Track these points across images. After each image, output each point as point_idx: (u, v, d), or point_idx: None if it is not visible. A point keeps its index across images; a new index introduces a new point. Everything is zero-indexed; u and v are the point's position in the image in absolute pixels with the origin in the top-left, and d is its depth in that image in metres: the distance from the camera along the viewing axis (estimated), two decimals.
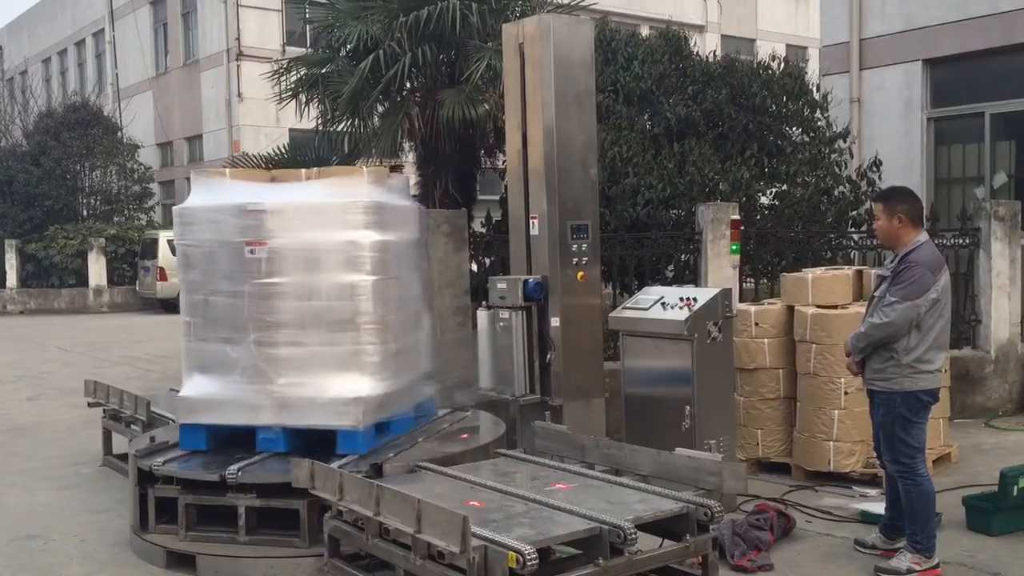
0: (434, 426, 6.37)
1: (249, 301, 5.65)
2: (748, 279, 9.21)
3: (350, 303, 5.57)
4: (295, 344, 5.61)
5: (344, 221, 5.56)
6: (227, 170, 6.56)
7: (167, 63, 30.87)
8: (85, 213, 26.49)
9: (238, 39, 26.67)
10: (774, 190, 10.05)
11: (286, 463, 5.22)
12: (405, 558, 4.08)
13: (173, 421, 6.76)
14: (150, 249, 23.61)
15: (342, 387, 5.54)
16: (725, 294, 6.31)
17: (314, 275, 5.58)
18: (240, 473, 5.28)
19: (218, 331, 5.79)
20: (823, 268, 7.50)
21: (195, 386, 5.85)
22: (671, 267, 9.16)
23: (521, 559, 3.60)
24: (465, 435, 6.07)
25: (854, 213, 10.00)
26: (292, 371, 5.61)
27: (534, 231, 6.33)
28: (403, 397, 5.98)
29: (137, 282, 24.53)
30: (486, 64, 8.58)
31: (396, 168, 6.69)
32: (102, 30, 33.92)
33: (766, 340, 6.95)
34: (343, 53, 9.82)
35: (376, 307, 5.62)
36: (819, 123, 10.27)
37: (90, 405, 8.05)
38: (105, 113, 28.37)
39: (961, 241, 8.77)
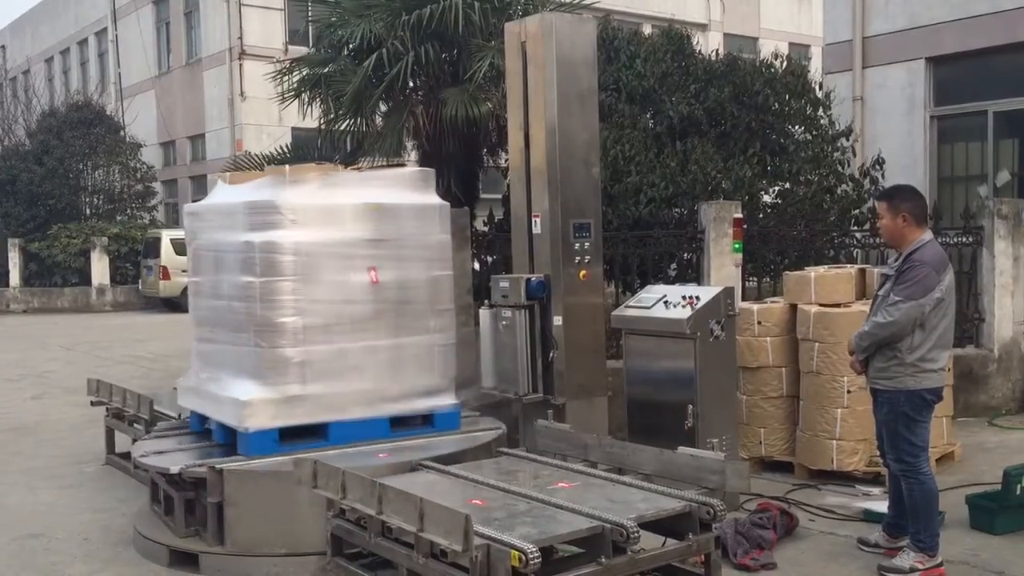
0: (403, 441, 5.76)
1: (191, 298, 6.10)
2: (751, 277, 9.20)
3: (244, 304, 5.54)
4: (210, 341, 5.84)
5: (245, 222, 5.54)
6: (228, 174, 6.67)
7: (169, 62, 30.90)
8: (88, 212, 26.55)
9: (240, 38, 26.70)
10: (777, 188, 10.05)
11: (208, 453, 5.62)
12: (408, 556, 4.08)
13: (175, 419, 6.80)
14: (153, 248, 23.64)
15: (235, 387, 5.56)
16: (728, 292, 6.30)
17: (220, 275, 5.72)
18: (144, 457, 5.72)
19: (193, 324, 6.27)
20: (826, 266, 7.50)
21: (188, 373, 6.31)
22: (674, 265, 9.16)
23: (524, 558, 3.60)
24: (384, 454, 5.49)
25: (857, 211, 9.99)
26: (210, 367, 5.83)
27: (536, 230, 6.32)
28: (340, 404, 5.63)
29: (140, 281, 24.55)
30: (489, 63, 8.57)
31: (397, 166, 6.67)
32: (104, 29, 33.97)
33: (769, 338, 6.94)
34: (346, 52, 9.82)
35: (273, 309, 5.44)
36: (822, 121, 10.26)
37: (93, 404, 8.06)
38: (108, 112, 28.43)
39: (964, 239, 8.76)
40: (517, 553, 3.62)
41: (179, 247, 21.34)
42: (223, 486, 5.19)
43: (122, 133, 27.99)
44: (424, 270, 5.95)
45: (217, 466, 5.25)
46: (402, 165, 6.92)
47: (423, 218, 6.00)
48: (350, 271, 5.65)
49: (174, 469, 5.36)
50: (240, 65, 26.69)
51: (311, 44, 15.70)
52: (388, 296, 5.78)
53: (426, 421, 6.02)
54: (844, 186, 10.10)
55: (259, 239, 5.46)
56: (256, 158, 11.36)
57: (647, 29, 18.05)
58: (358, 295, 5.68)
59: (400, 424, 5.91)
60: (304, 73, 10.12)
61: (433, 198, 6.16)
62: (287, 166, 5.99)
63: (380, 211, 5.79)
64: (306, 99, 10.13)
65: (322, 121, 10.31)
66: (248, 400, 5.44)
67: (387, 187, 5.94)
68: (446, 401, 6.09)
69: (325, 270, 5.57)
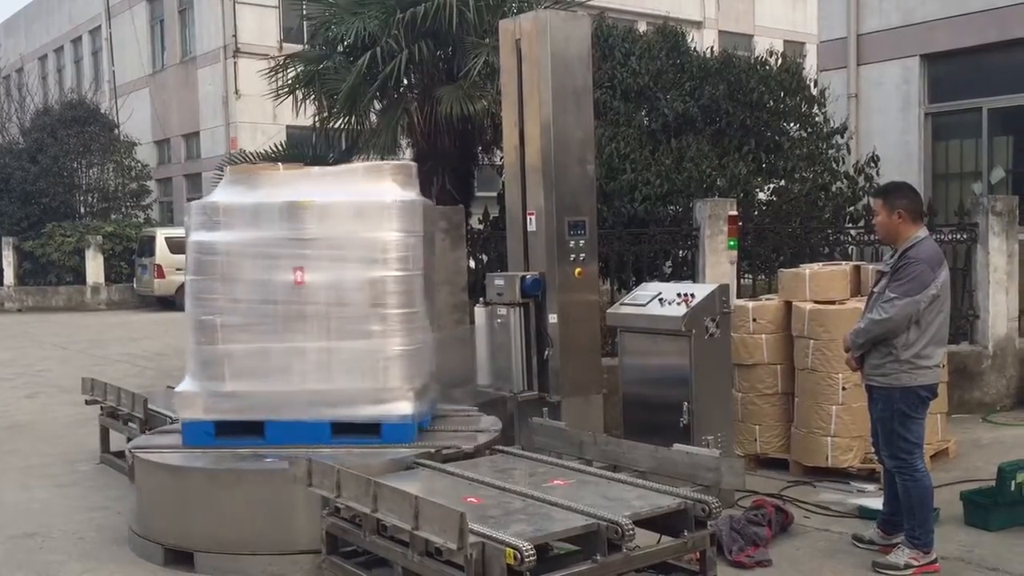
0: (343, 449, 5.43)
1: None
2: (746, 275, 9.21)
3: (186, 301, 5.83)
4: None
5: (192, 222, 5.77)
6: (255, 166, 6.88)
7: (164, 60, 30.82)
8: (82, 210, 26.46)
9: (235, 36, 26.63)
10: (772, 186, 10.06)
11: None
12: (403, 555, 4.08)
13: (170, 419, 6.79)
14: (148, 247, 23.60)
15: (182, 381, 5.84)
16: (723, 290, 6.30)
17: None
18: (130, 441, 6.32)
19: None
20: (821, 264, 7.50)
21: None
22: (669, 263, 9.17)
23: (519, 555, 3.60)
24: (269, 460, 5.33)
25: (851, 209, 10.00)
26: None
27: (531, 227, 6.32)
28: (272, 404, 5.55)
29: (135, 280, 24.52)
30: (483, 60, 8.58)
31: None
32: (99, 27, 33.86)
33: (764, 336, 6.95)
34: (340, 49, 9.81)
35: (200, 307, 5.66)
36: (817, 119, 10.27)
37: (88, 403, 8.05)
38: (102, 110, 28.35)
39: (959, 236, 8.78)
40: (512, 551, 3.62)
41: (174, 245, 21.31)
42: (135, 472, 5.59)
43: (116, 131, 27.88)
44: (364, 271, 5.51)
45: (133, 452, 5.67)
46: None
47: (367, 216, 5.53)
48: (272, 271, 5.54)
49: (126, 450, 5.81)
50: (235, 63, 26.61)
51: (306, 42, 15.70)
52: (317, 297, 5.51)
53: (376, 431, 5.59)
54: (839, 183, 10.11)
55: (195, 239, 5.70)
56: (250, 156, 11.34)
57: (642, 27, 18.02)
58: (280, 295, 5.53)
59: (348, 431, 5.57)
60: (298, 70, 10.11)
61: (389, 195, 5.61)
62: (227, 167, 6.08)
63: (309, 209, 5.51)
64: (300, 97, 10.13)
65: (316, 119, 10.30)
66: (181, 392, 5.76)
67: (333, 184, 5.69)
68: (397, 411, 5.56)
69: (246, 270, 5.58)
